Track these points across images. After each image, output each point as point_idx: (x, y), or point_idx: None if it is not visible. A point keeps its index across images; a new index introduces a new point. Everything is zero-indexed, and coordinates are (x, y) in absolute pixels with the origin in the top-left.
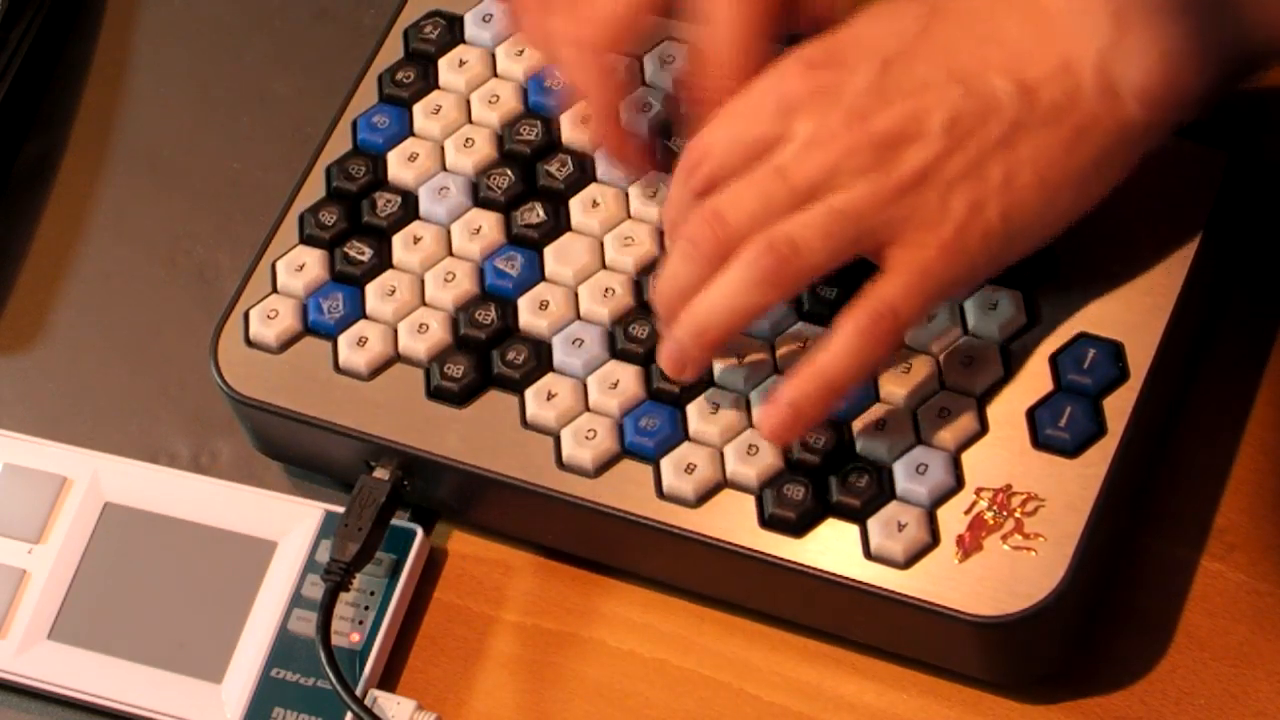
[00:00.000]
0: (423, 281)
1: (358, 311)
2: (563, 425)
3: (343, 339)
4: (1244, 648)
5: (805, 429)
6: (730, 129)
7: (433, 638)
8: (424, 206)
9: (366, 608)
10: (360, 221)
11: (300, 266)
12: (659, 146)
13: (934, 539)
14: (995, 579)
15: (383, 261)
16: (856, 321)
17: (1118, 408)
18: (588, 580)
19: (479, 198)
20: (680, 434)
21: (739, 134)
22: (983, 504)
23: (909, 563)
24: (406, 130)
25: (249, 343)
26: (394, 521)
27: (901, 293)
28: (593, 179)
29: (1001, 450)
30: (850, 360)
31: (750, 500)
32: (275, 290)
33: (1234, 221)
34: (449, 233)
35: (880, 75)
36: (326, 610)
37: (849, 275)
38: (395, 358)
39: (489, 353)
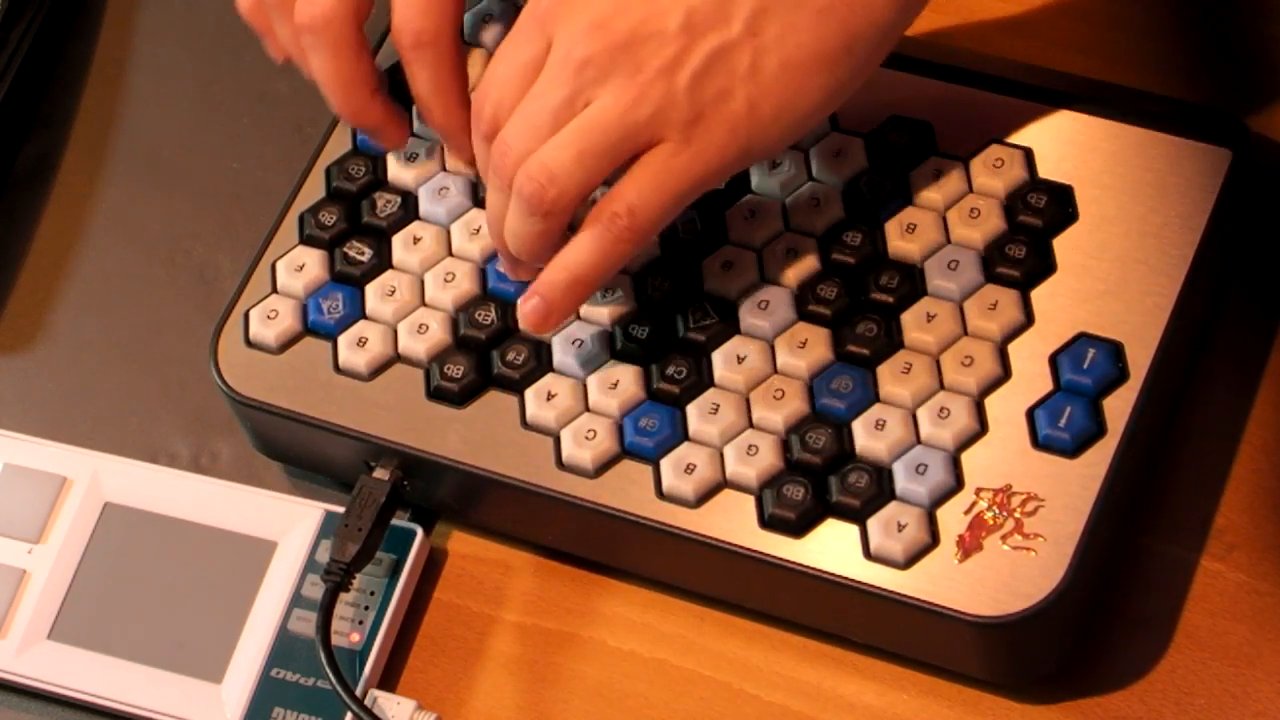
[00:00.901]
0: (423, 282)
1: (358, 312)
2: (562, 425)
3: (343, 339)
4: (1244, 648)
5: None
6: (502, 64)
7: (433, 638)
8: (424, 207)
9: (366, 608)
10: (360, 222)
11: (300, 266)
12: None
13: (934, 539)
14: (995, 579)
15: (382, 262)
16: (596, 220)
17: (1118, 408)
18: (588, 580)
19: (479, 198)
20: (680, 434)
21: (509, 65)
22: (982, 504)
23: (909, 563)
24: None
25: (249, 343)
26: (394, 521)
27: (638, 192)
28: None
29: (1001, 450)
30: (592, 257)
31: (750, 500)
32: (275, 290)
33: (1235, 221)
34: (449, 233)
35: None
36: (326, 610)
37: (849, 273)
38: (395, 358)
39: (489, 353)
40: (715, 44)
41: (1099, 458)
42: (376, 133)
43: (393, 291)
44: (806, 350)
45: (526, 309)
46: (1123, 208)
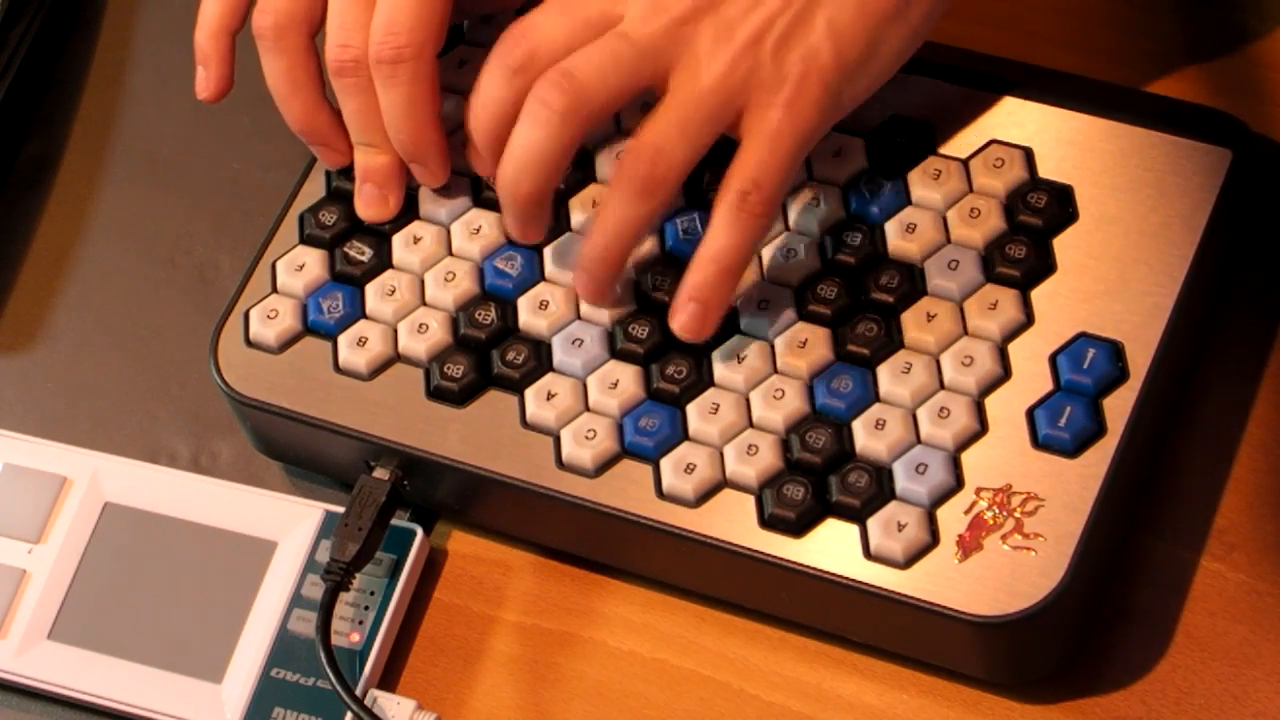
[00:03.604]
0: (423, 281)
1: (358, 311)
2: (562, 425)
3: (343, 339)
4: (1244, 648)
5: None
6: (561, 15)
7: (433, 638)
8: (424, 207)
9: (366, 608)
10: (360, 221)
11: (300, 266)
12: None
13: (934, 539)
14: (995, 579)
15: (383, 261)
16: (728, 204)
17: (1118, 408)
18: (588, 580)
19: (479, 198)
20: (680, 434)
21: (569, 14)
22: (983, 504)
23: (909, 563)
24: None
25: (249, 343)
26: (394, 521)
27: (759, 165)
28: (592, 179)
29: (1001, 450)
30: (735, 239)
31: (750, 500)
32: (275, 290)
33: (1235, 221)
34: (449, 232)
35: None
36: (326, 610)
37: (849, 273)
38: (395, 358)
39: (489, 353)
40: (798, 6)
41: (1099, 458)
42: (323, 142)
43: (393, 291)
44: (806, 350)
45: (685, 317)
46: (1123, 207)
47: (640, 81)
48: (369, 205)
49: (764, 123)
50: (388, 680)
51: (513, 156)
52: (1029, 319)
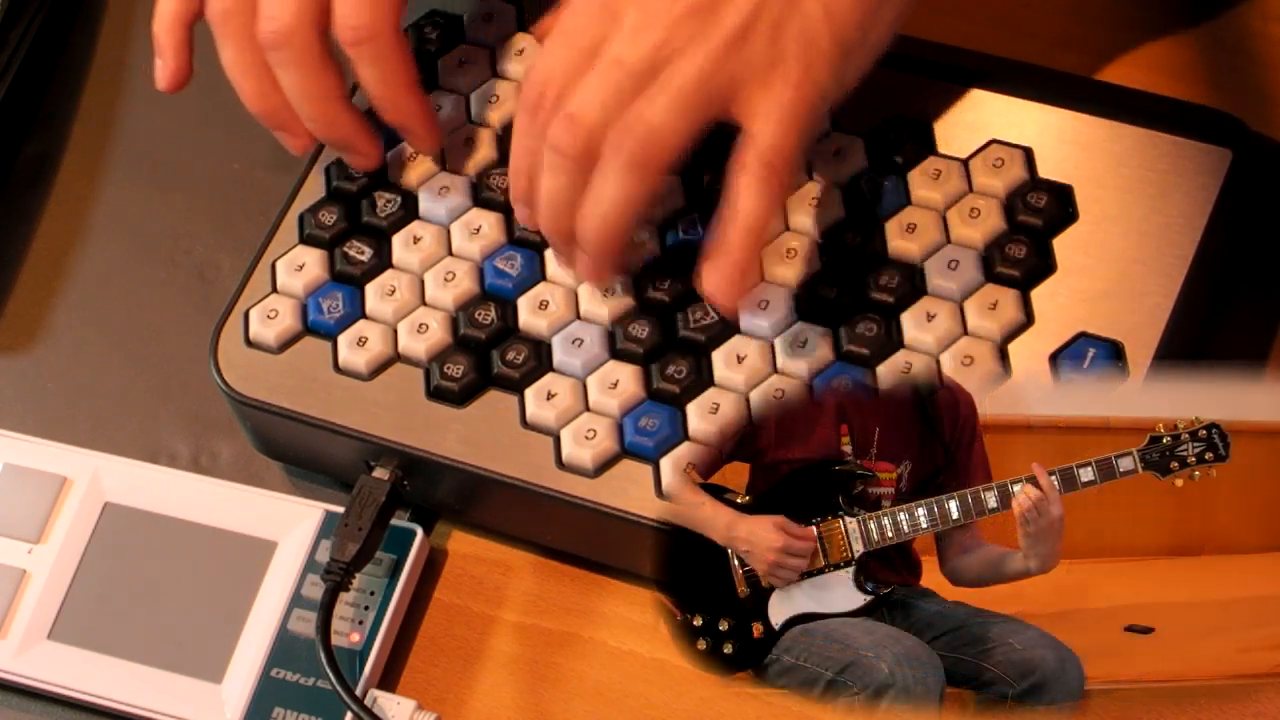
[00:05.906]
0: (422, 281)
1: (358, 311)
2: (562, 425)
3: (343, 339)
4: None
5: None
6: (562, 48)
7: (433, 638)
8: (424, 206)
9: (366, 608)
10: (360, 221)
11: (300, 266)
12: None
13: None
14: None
15: (383, 261)
16: (750, 173)
17: None
18: (588, 580)
19: (479, 198)
20: (680, 434)
21: (570, 45)
22: None
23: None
24: None
25: (249, 343)
26: (394, 521)
27: (775, 136)
28: None
29: None
30: (759, 205)
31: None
32: (275, 290)
33: (1235, 221)
34: (449, 233)
35: None
36: (326, 610)
37: (849, 273)
38: (395, 358)
39: (489, 353)
40: None
41: None
42: (348, 147)
43: (393, 291)
44: (807, 350)
45: (717, 277)
46: (1123, 207)
47: None
48: (352, 164)
49: (770, 100)
50: (388, 680)
51: (544, 205)
52: (1029, 319)
